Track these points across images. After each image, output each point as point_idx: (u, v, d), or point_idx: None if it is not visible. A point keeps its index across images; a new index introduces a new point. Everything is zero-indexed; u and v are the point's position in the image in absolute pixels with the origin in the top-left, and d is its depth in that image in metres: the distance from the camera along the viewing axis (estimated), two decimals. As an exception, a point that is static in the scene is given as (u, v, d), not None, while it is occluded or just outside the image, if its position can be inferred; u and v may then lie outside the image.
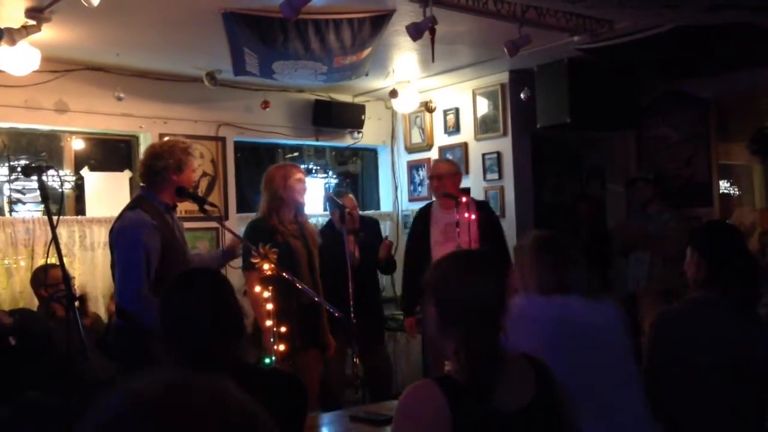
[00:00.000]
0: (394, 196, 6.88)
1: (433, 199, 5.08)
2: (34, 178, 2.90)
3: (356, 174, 7.16)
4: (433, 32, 3.97)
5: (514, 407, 1.73)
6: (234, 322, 2.04)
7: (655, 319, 2.65)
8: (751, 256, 2.81)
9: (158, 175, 3.43)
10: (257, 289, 3.45)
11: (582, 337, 2.26)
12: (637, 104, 5.93)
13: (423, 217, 4.98)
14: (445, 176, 4.82)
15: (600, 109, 5.57)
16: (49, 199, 2.95)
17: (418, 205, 5.89)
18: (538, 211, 6.15)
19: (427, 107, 6.37)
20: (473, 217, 4.59)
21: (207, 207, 3.58)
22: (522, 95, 5.52)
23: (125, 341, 3.29)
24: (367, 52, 4.61)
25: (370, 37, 4.38)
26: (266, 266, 3.36)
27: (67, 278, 2.89)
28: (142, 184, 3.56)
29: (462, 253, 2.66)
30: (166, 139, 4.03)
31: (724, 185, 6.22)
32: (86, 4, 3.09)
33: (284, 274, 3.44)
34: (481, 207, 4.84)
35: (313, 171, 6.84)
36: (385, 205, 6.94)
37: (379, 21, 4.25)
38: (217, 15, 4.09)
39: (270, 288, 3.37)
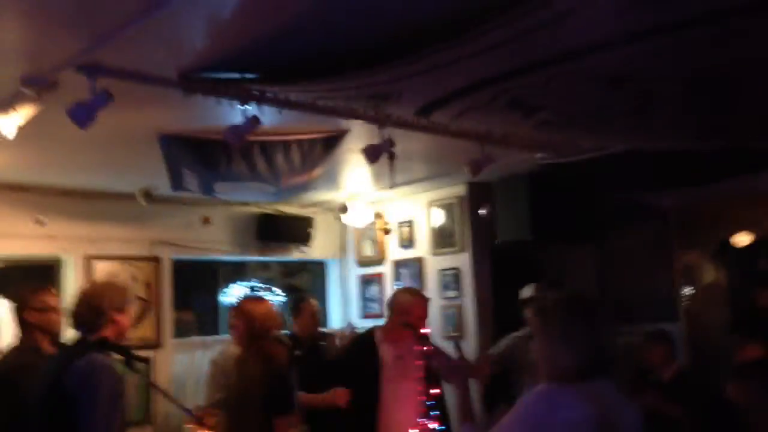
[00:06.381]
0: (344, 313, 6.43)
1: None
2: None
3: (304, 288, 6.70)
4: (392, 156, 3.65)
5: None
6: None
7: None
8: None
9: None
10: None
11: None
12: (597, 217, 5.69)
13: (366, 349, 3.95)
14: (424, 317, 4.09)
15: (560, 224, 5.29)
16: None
17: (370, 323, 5.22)
18: (499, 330, 5.76)
19: (385, 230, 6.01)
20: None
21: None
22: (481, 212, 5.22)
23: None
24: (318, 171, 4.26)
25: (321, 157, 4.03)
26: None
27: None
28: None
29: None
30: None
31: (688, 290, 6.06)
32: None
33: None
34: None
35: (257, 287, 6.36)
36: (335, 321, 6.46)
37: (332, 141, 3.92)
38: (152, 135, 3.70)
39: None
